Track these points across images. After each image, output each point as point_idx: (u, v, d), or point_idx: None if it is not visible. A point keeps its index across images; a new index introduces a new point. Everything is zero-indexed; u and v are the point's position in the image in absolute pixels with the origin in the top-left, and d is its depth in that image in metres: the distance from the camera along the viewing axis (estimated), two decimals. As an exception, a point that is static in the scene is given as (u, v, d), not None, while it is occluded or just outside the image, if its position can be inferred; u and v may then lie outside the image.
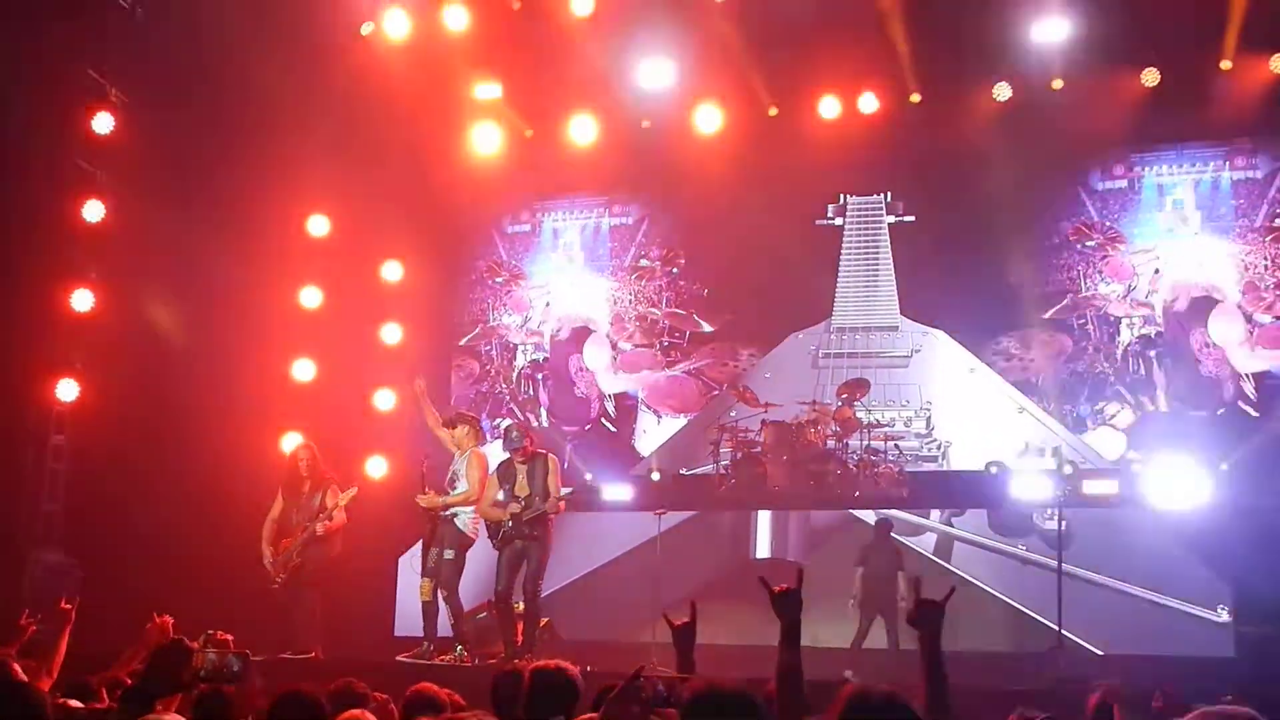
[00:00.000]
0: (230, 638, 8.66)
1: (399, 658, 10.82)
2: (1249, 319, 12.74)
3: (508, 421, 14.60)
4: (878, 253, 14.01)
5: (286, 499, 11.46)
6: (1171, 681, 7.48)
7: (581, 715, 4.53)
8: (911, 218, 13.95)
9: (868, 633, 12.17)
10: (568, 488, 11.11)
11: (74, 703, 5.46)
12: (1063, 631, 11.05)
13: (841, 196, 14.15)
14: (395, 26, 13.35)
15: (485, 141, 14.19)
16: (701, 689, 3.54)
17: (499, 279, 15.27)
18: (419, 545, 12.97)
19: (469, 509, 11.10)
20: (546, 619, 11.42)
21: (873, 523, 12.88)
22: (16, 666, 5.39)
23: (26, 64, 11.68)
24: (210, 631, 6.37)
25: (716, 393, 14.25)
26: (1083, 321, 13.34)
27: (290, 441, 13.44)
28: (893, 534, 12.72)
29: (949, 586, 4.31)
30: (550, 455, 10.99)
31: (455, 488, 11.17)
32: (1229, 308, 12.82)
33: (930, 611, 4.28)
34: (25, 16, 11.69)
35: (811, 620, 13.30)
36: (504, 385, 15.04)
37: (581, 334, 14.88)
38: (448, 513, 11.13)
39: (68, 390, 12.58)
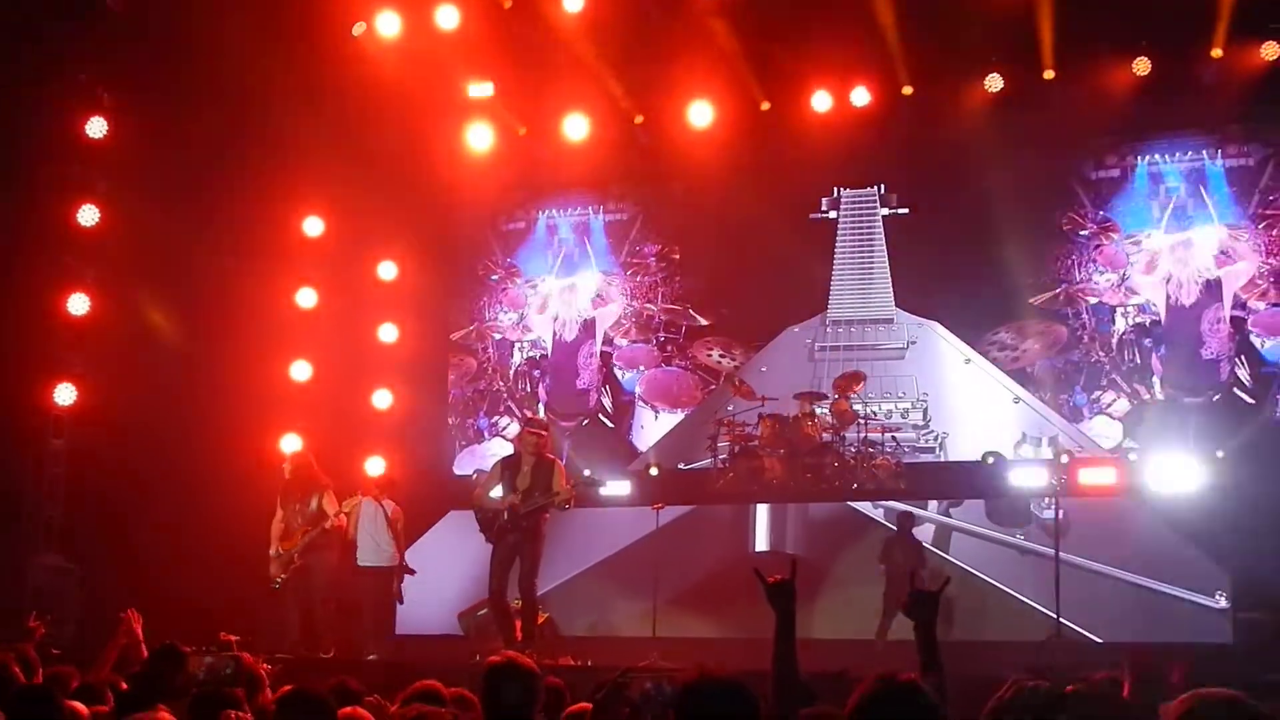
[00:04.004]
0: (235, 639, 8.73)
1: None
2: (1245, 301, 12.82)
3: (506, 420, 14.74)
4: (872, 245, 14.04)
5: (283, 505, 11.58)
6: (1187, 661, 7.52)
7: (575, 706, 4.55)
8: (905, 210, 13.98)
9: (890, 624, 11.95)
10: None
11: (79, 706, 5.49)
12: (1061, 620, 11.13)
13: (835, 190, 14.19)
14: (387, 26, 13.37)
15: (479, 140, 14.21)
16: (694, 680, 3.55)
17: (494, 277, 15.30)
18: (418, 544, 13.04)
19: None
20: (546, 615, 11.45)
21: (888, 517, 12.96)
22: (17, 669, 5.41)
23: (18, 69, 11.68)
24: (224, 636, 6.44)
25: (713, 387, 14.27)
26: (1078, 311, 13.37)
27: (289, 442, 13.52)
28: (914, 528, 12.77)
29: (945, 578, 4.33)
30: (558, 461, 11.02)
31: None
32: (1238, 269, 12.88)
33: (924, 601, 4.32)
34: (15, 22, 11.69)
35: (810, 611, 13.38)
36: (501, 382, 15.06)
37: (589, 323, 14.90)
38: None
39: (66, 394, 12.62)
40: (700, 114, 13.63)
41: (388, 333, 14.73)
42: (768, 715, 3.82)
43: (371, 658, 11.10)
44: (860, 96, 13.33)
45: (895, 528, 12.74)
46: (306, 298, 14.27)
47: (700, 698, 3.49)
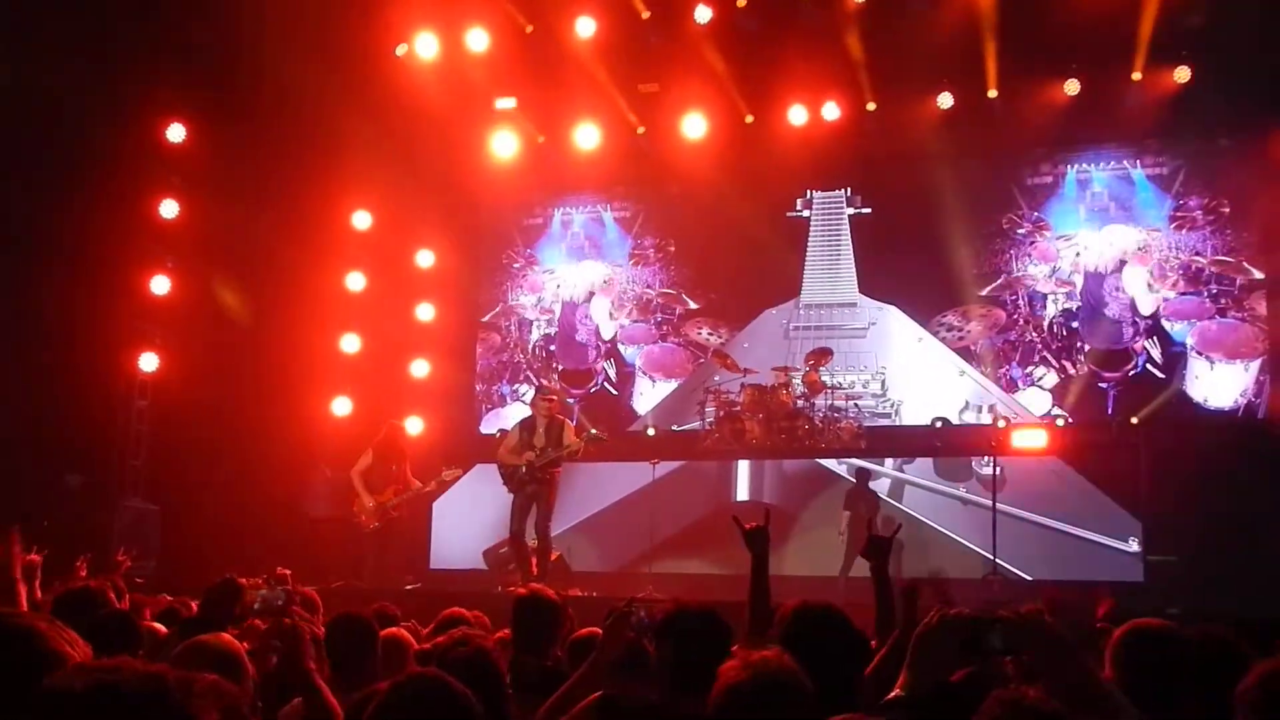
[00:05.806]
0: (289, 573, 8.69)
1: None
2: (1152, 278, 12.78)
3: (525, 387, 14.73)
4: (839, 240, 13.99)
5: (379, 458, 11.37)
6: (1111, 598, 7.52)
7: (584, 630, 4.55)
8: (868, 210, 13.91)
9: (853, 564, 11.85)
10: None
11: (158, 626, 5.49)
12: (996, 560, 11.14)
13: (808, 192, 14.12)
14: (425, 47, 13.31)
15: (503, 146, 14.14)
16: (672, 611, 3.57)
17: (516, 264, 15.25)
18: (449, 493, 13.02)
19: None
20: (558, 553, 11.46)
21: (850, 472, 12.91)
22: (112, 595, 5.38)
23: (110, 87, 11.65)
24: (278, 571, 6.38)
25: (702, 360, 14.25)
26: (1014, 298, 13.33)
27: (340, 404, 13.55)
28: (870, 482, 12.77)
29: (896, 525, 4.32)
30: (568, 421, 11.05)
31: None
32: (1137, 268, 12.82)
33: (879, 544, 4.33)
34: (111, 48, 11.67)
35: (782, 552, 13.37)
36: (521, 355, 15.04)
37: (598, 305, 14.83)
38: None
39: (149, 362, 12.62)
40: (694, 125, 13.54)
41: (425, 312, 14.70)
42: (745, 636, 3.83)
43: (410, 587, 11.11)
44: (830, 111, 13.24)
45: (854, 481, 12.76)
46: (355, 281, 14.24)
47: (677, 625, 3.51)
